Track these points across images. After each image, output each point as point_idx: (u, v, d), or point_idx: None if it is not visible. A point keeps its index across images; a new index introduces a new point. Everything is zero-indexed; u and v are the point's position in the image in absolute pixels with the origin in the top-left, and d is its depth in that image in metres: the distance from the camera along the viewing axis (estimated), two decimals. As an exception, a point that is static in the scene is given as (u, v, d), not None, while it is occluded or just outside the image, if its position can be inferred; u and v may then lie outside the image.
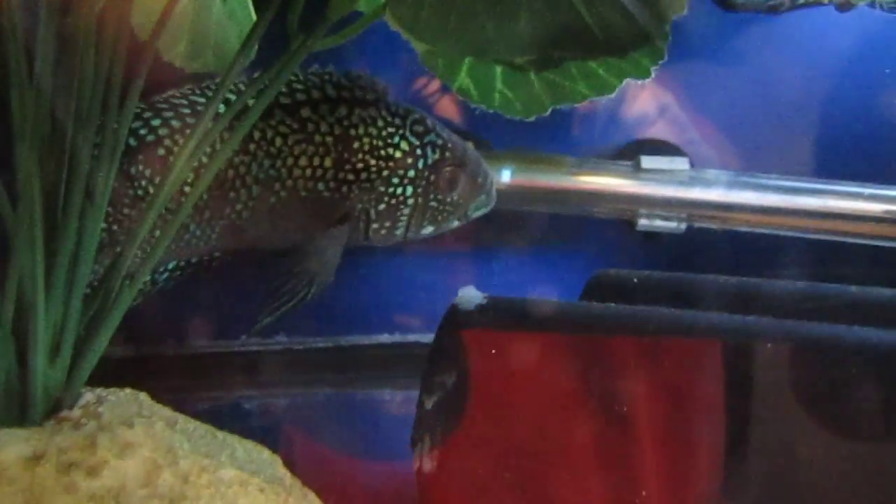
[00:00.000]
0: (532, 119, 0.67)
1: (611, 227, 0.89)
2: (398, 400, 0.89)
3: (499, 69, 0.65)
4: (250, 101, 0.57)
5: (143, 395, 0.50)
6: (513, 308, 0.56)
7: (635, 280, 0.63)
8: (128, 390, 0.49)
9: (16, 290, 0.45)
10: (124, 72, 0.50)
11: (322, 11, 0.59)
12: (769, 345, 0.48)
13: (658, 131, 0.90)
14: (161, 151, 0.65)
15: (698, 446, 0.51)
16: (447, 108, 0.88)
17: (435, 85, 0.87)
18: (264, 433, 0.85)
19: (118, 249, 0.65)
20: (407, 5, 0.54)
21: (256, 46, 0.59)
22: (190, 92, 0.68)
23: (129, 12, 0.50)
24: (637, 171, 0.84)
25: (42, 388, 0.45)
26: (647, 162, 0.83)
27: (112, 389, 0.49)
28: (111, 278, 0.48)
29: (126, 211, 0.65)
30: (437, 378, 0.52)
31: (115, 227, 0.65)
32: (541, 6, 0.56)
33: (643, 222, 0.84)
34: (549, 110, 0.66)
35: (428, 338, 0.91)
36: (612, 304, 0.55)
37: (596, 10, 0.56)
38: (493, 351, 0.51)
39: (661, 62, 0.61)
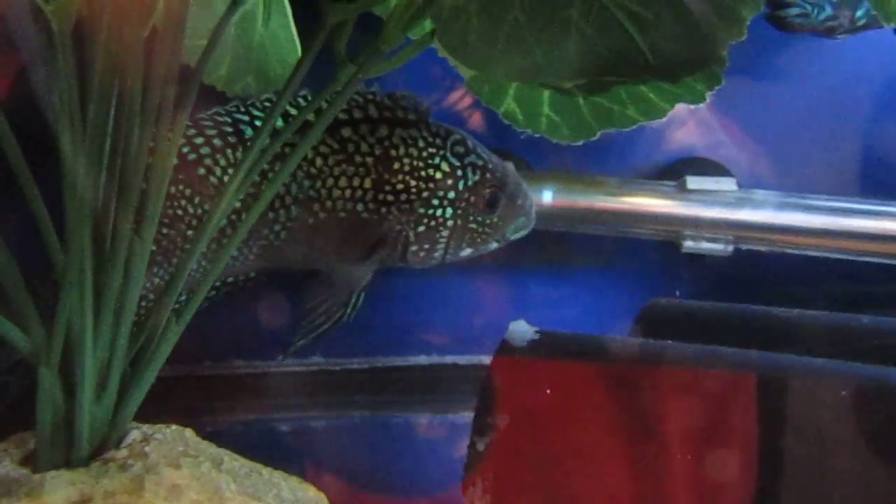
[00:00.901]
0: (579, 143, 0.66)
1: (655, 249, 0.89)
2: (436, 424, 0.89)
3: (546, 93, 0.64)
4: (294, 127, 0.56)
5: (188, 432, 0.49)
6: (567, 344, 0.55)
7: (691, 312, 0.62)
8: (174, 427, 0.49)
9: (64, 327, 0.45)
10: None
11: (366, 31, 0.59)
12: (828, 389, 0.47)
13: (704, 150, 0.89)
14: (202, 171, 0.66)
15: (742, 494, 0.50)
16: (483, 124, 0.88)
17: (467, 100, 0.88)
18: (300, 457, 0.86)
19: (164, 279, 0.67)
20: (454, 31, 0.54)
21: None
22: (235, 109, 0.68)
23: (182, 39, 0.50)
24: (682, 191, 0.83)
25: (89, 427, 0.46)
26: (693, 182, 0.83)
27: (158, 427, 0.49)
28: (158, 312, 0.48)
29: (164, 231, 0.66)
30: (488, 418, 0.51)
31: (153, 248, 0.65)
32: (591, 30, 0.56)
33: (689, 244, 0.83)
34: (598, 135, 0.65)
35: (465, 359, 0.94)
36: (672, 344, 0.54)
37: (649, 35, 0.55)
38: (548, 391, 0.51)
39: (717, 87, 0.60)
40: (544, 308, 0.92)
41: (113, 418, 0.47)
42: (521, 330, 0.56)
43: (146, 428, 0.49)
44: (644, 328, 0.63)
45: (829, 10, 0.73)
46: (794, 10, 0.73)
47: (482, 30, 0.55)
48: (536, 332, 0.56)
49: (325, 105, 0.56)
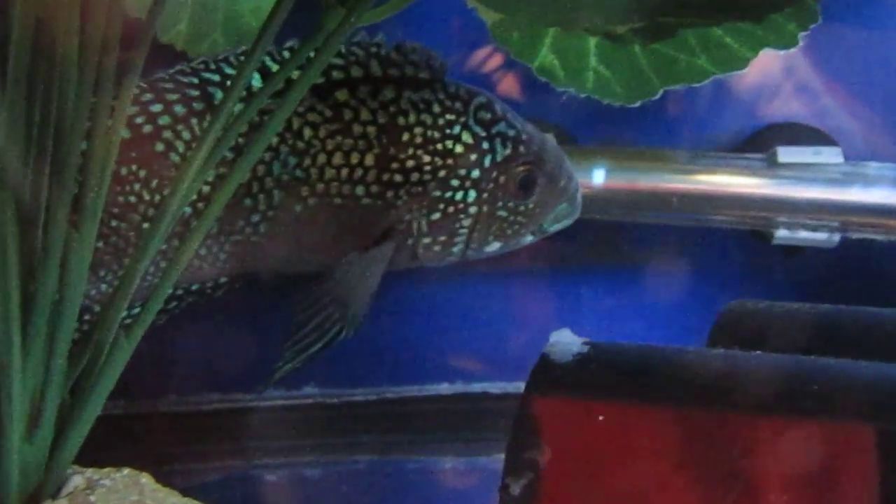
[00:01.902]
0: (636, 105, 0.66)
1: (738, 242, 0.88)
2: (463, 469, 0.89)
3: (593, 42, 0.64)
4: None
5: (144, 478, 0.49)
6: (625, 360, 0.54)
7: (785, 316, 0.61)
8: (126, 471, 0.49)
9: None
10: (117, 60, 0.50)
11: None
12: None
13: (798, 113, 0.88)
14: (160, 146, 0.66)
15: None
16: (514, 89, 0.88)
17: (497, 60, 0.88)
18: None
19: (113, 285, 0.67)
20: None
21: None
22: (203, 67, 0.68)
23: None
24: (772, 166, 0.82)
25: (19, 472, 0.45)
26: (786, 154, 0.82)
27: (106, 471, 0.49)
28: (104, 327, 0.48)
29: (114, 223, 0.66)
30: (524, 454, 0.51)
31: (98, 244, 0.65)
32: (649, -41, 0.55)
33: (782, 234, 0.83)
34: (660, 93, 0.65)
35: (499, 387, 0.94)
36: (764, 357, 0.54)
37: (723, -38, 0.54)
38: (601, 418, 0.50)
39: (812, 26, 0.60)
40: (597, 319, 0.92)
41: (49, 461, 0.47)
42: (566, 342, 0.55)
43: (91, 472, 0.49)
44: (726, 336, 0.62)
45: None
46: None
47: (510, -41, 0.55)
48: (585, 343, 0.55)
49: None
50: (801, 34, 0.61)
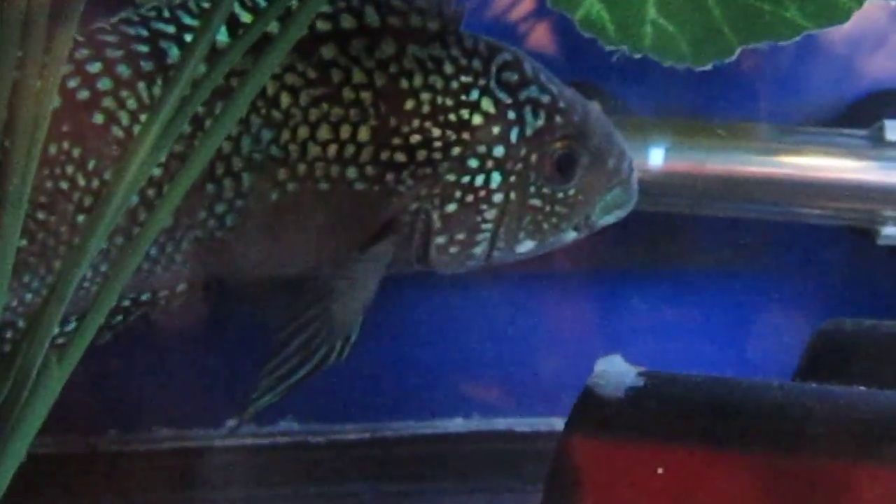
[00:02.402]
0: (707, 67, 0.66)
1: (835, 240, 0.89)
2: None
3: (652, -14, 0.64)
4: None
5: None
6: (690, 395, 0.54)
7: (888, 340, 0.61)
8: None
9: None
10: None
11: None
12: None
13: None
14: (99, 117, 0.66)
15: None
16: (550, 44, 0.88)
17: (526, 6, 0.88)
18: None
19: (40, 294, 0.67)
20: None
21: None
22: (155, 15, 0.68)
23: None
24: (878, 145, 0.83)
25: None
26: (895, 130, 0.82)
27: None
28: (31, 347, 0.48)
29: (40, 216, 0.66)
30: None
31: (22, 243, 0.66)
32: None
33: (890, 231, 0.83)
34: (737, 53, 0.65)
35: (528, 423, 0.94)
36: (854, 392, 0.54)
37: None
38: (660, 471, 0.50)
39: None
40: (652, 338, 0.93)
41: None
42: (616, 371, 0.55)
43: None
44: (819, 364, 0.62)
45: None
46: None
47: None
48: (640, 374, 0.55)
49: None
50: (921, -21, 0.60)
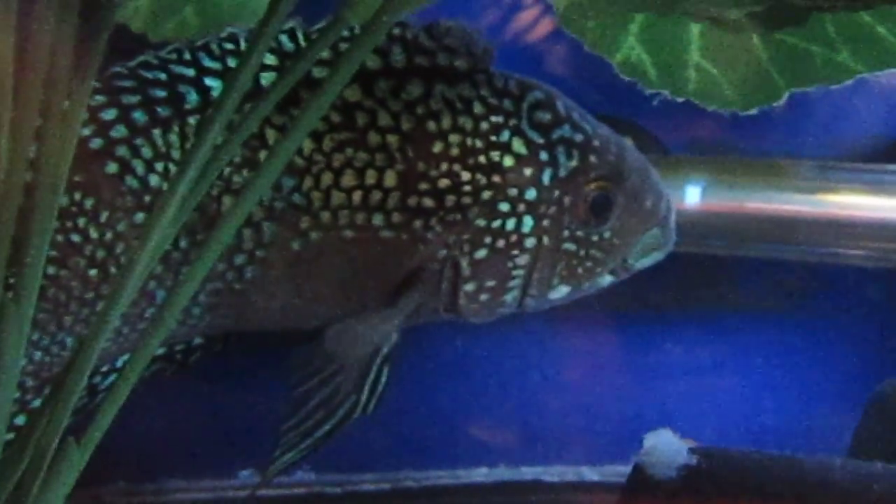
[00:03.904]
0: (753, 112, 0.66)
1: (881, 282, 0.89)
2: None
3: (696, 30, 0.64)
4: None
5: None
6: (747, 476, 0.54)
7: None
8: None
9: None
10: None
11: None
12: None
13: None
14: (113, 167, 0.66)
15: None
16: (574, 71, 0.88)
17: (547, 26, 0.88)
18: None
19: (50, 353, 0.67)
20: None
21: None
22: (175, 58, 0.68)
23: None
24: (928, 183, 0.83)
25: None
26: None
27: None
28: (47, 429, 0.48)
29: (51, 270, 0.66)
30: None
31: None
32: (778, -80, 0.56)
33: (939, 273, 0.83)
34: (785, 98, 0.65)
35: (556, 473, 0.94)
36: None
37: (878, -73, 0.54)
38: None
39: None
40: (691, 387, 0.92)
41: None
42: (667, 448, 0.55)
43: None
44: (880, 433, 0.62)
45: None
46: None
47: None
48: (692, 451, 0.55)
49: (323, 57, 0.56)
50: None
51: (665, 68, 0.65)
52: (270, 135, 0.68)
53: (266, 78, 0.68)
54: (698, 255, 0.85)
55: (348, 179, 0.69)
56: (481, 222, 0.71)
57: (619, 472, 0.62)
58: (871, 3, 0.58)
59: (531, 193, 0.71)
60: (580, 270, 0.74)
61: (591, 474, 0.91)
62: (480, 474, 0.93)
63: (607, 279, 0.75)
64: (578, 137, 0.72)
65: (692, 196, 0.83)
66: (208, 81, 0.68)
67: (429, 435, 0.93)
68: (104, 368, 0.71)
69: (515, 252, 0.72)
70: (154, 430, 0.90)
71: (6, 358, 0.48)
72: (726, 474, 0.54)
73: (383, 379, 0.73)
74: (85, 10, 0.51)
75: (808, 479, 0.54)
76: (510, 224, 0.71)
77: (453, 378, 0.92)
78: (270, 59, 0.68)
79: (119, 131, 0.66)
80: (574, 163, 0.72)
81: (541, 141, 0.71)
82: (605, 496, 0.69)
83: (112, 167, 0.66)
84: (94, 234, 0.66)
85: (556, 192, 0.72)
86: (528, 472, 0.93)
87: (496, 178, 0.71)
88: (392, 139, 0.70)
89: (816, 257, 0.85)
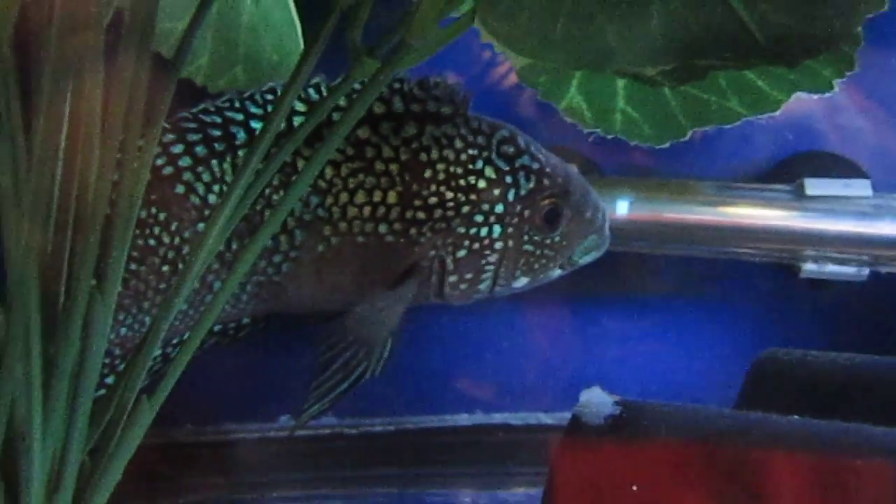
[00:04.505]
0: (666, 145, 0.65)
1: (765, 275, 0.88)
2: (483, 503, 0.88)
3: (621, 83, 0.63)
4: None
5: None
6: (660, 421, 0.53)
7: (815, 369, 0.60)
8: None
9: (7, 413, 0.45)
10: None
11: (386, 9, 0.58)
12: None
13: (827, 142, 0.88)
14: (180, 189, 0.66)
15: None
16: (536, 113, 0.87)
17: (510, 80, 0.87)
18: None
19: (133, 329, 0.67)
20: (501, 11, 0.53)
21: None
22: (228, 105, 0.68)
23: (153, 27, 0.50)
24: (800, 197, 0.82)
25: (39, 538, 0.45)
26: (814, 186, 0.82)
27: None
28: (125, 390, 0.48)
29: (133, 267, 0.66)
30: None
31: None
32: (680, 2, 0.54)
33: (809, 267, 0.82)
34: (689, 134, 0.64)
35: (519, 418, 0.93)
36: (791, 421, 0.53)
37: (757, 6, 0.53)
38: (634, 487, 0.49)
39: (849, 74, 0.59)
40: (621, 352, 0.91)
41: (70, 526, 0.47)
42: (597, 401, 0.55)
43: (110, 539, 0.48)
44: (758, 393, 0.61)
45: None
46: None
47: (537, 6, 0.54)
48: (616, 403, 0.54)
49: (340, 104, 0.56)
50: (837, 80, 0.59)
51: (598, 112, 0.64)
52: (300, 163, 0.67)
53: (296, 120, 0.67)
54: (627, 254, 0.85)
55: (360, 198, 0.69)
56: (461, 230, 0.70)
57: (567, 418, 0.61)
58: (753, 64, 0.57)
59: (499, 208, 0.70)
60: (536, 266, 0.73)
61: (546, 419, 0.91)
62: (462, 419, 0.93)
63: (557, 272, 0.74)
64: (535, 165, 0.72)
65: (621, 208, 0.83)
66: (253, 123, 0.67)
67: (423, 388, 0.92)
68: (175, 341, 0.70)
69: (487, 252, 0.71)
70: (215, 385, 0.89)
71: (95, 333, 0.47)
72: (643, 421, 0.53)
73: (388, 349, 0.73)
74: (156, 68, 0.51)
75: (710, 424, 0.53)
76: (483, 231, 0.70)
77: (442, 345, 0.92)
78: (300, 106, 0.68)
79: (185, 161, 0.66)
80: (531, 184, 0.71)
81: (506, 168, 0.71)
82: (556, 436, 0.69)
83: (180, 188, 0.66)
84: (166, 239, 0.66)
85: (518, 207, 0.71)
86: (498, 417, 0.92)
87: (472, 197, 0.70)
88: (393, 167, 0.69)
89: (716, 255, 0.85)
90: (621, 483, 0.51)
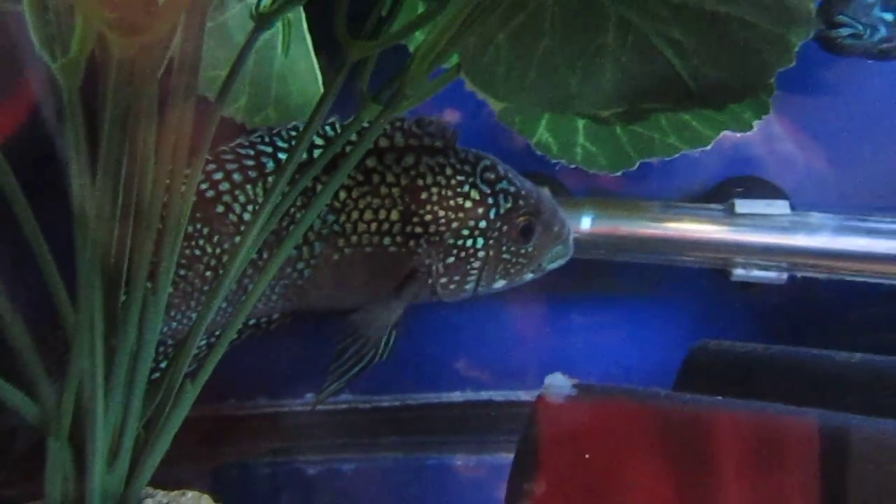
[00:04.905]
0: (618, 174, 0.65)
1: (703, 277, 0.88)
2: (472, 465, 0.88)
3: (581, 122, 0.63)
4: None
5: (205, 499, 0.49)
6: (610, 400, 0.53)
7: (746, 358, 0.60)
8: (190, 494, 0.49)
9: (74, 393, 0.45)
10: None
11: (392, 58, 0.59)
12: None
13: (755, 169, 0.87)
14: (220, 208, 0.66)
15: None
16: (519, 142, 0.87)
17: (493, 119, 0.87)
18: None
19: (181, 323, 0.67)
20: (482, 64, 0.53)
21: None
22: (259, 140, 0.68)
23: (198, 74, 0.50)
24: (730, 215, 0.82)
25: (101, 496, 0.45)
26: (742, 206, 0.81)
27: (174, 494, 0.49)
28: (174, 372, 0.48)
29: (182, 272, 0.66)
30: (524, 484, 0.50)
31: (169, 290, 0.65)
32: (627, 57, 0.55)
33: (739, 272, 0.82)
34: (637, 164, 0.64)
35: (503, 395, 0.93)
36: (721, 401, 0.53)
37: (691, 61, 0.54)
38: (588, 455, 0.49)
39: (765, 116, 0.59)
40: (588, 338, 0.91)
41: (126, 488, 0.47)
42: (559, 384, 0.55)
43: (161, 496, 0.49)
44: (690, 379, 0.61)
45: (883, 32, 0.70)
46: (845, 31, 0.70)
47: (511, 60, 0.55)
48: (574, 386, 0.55)
49: (351, 139, 0.56)
50: (755, 122, 0.60)
51: (563, 146, 0.65)
52: (318, 187, 0.67)
53: (316, 152, 0.67)
54: (590, 260, 0.85)
55: (368, 216, 0.69)
56: (451, 241, 0.70)
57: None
58: (687, 108, 0.57)
59: (483, 224, 0.71)
60: (512, 271, 0.73)
61: (524, 396, 0.90)
62: (456, 396, 0.92)
63: (529, 276, 0.74)
64: (512, 189, 0.72)
65: (585, 223, 0.83)
66: (280, 155, 0.67)
67: (423, 371, 0.92)
68: (217, 332, 0.70)
69: (472, 260, 0.71)
70: (253, 367, 0.89)
71: (148, 328, 0.48)
72: (597, 401, 0.53)
73: (392, 339, 0.73)
74: (202, 108, 0.51)
75: (657, 402, 0.53)
76: (469, 243, 0.71)
77: (438, 335, 0.92)
78: (318, 141, 0.68)
79: (224, 186, 0.66)
80: (509, 205, 0.71)
81: (488, 191, 0.71)
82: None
83: (220, 208, 0.66)
84: (209, 249, 0.66)
85: (498, 223, 0.71)
86: (484, 395, 0.92)
87: (460, 215, 0.70)
88: (395, 190, 0.69)
89: (663, 262, 0.85)
90: (577, 452, 0.51)
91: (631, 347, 0.91)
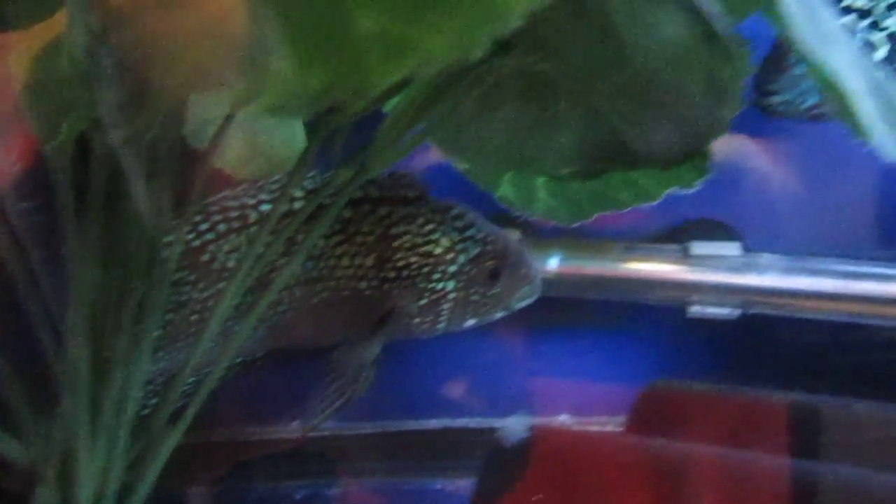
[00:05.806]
0: (576, 224, 0.67)
1: (663, 314, 0.88)
2: (448, 490, 0.88)
3: (541, 180, 0.65)
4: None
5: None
6: (563, 445, 0.54)
7: (693, 398, 0.61)
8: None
9: (63, 439, 0.46)
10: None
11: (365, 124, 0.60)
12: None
13: (709, 212, 0.89)
14: (206, 257, 0.67)
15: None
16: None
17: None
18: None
19: (168, 362, 0.68)
20: (447, 131, 0.55)
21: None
22: (243, 193, 0.68)
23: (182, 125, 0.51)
24: (686, 256, 0.83)
25: (87, 538, 0.47)
26: (698, 247, 0.83)
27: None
28: (157, 418, 0.49)
29: (169, 316, 0.66)
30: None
31: (157, 333, 0.66)
32: (580, 124, 0.57)
33: (694, 309, 0.83)
34: (593, 217, 0.65)
35: (476, 422, 0.93)
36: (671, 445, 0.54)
37: (636, 129, 0.55)
38: (534, 498, 0.50)
39: (706, 177, 0.61)
40: (555, 373, 0.92)
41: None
42: (515, 426, 0.56)
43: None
44: (644, 419, 0.62)
45: (814, 99, 0.73)
46: (777, 99, 0.73)
47: (474, 127, 0.56)
48: (528, 428, 0.56)
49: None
50: (697, 181, 0.61)
51: (524, 200, 0.66)
52: (299, 238, 0.67)
53: (297, 204, 0.68)
54: (558, 298, 0.86)
55: (345, 262, 0.70)
56: (423, 285, 0.71)
57: (512, 422, 0.61)
58: (635, 168, 0.59)
59: (452, 268, 0.71)
60: (482, 311, 0.74)
61: (497, 424, 0.90)
62: (433, 423, 0.93)
63: (498, 314, 0.75)
64: (480, 235, 0.72)
65: (552, 264, 0.84)
66: (262, 206, 0.68)
67: (403, 399, 0.93)
68: (206, 370, 0.71)
69: (443, 302, 0.72)
70: (241, 398, 0.90)
71: (134, 373, 0.48)
72: (547, 442, 0.54)
73: (371, 375, 0.74)
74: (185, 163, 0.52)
75: (613, 446, 0.54)
76: (440, 286, 0.71)
77: (416, 367, 0.92)
78: (299, 193, 0.68)
79: (209, 236, 0.67)
80: (478, 250, 0.72)
81: (458, 238, 0.71)
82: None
83: (205, 256, 0.67)
84: (195, 295, 0.67)
85: (467, 267, 0.72)
86: (460, 422, 0.92)
87: (431, 260, 0.71)
88: (370, 238, 0.70)
89: (625, 298, 0.86)
90: (526, 492, 0.51)
91: (597, 379, 0.91)
